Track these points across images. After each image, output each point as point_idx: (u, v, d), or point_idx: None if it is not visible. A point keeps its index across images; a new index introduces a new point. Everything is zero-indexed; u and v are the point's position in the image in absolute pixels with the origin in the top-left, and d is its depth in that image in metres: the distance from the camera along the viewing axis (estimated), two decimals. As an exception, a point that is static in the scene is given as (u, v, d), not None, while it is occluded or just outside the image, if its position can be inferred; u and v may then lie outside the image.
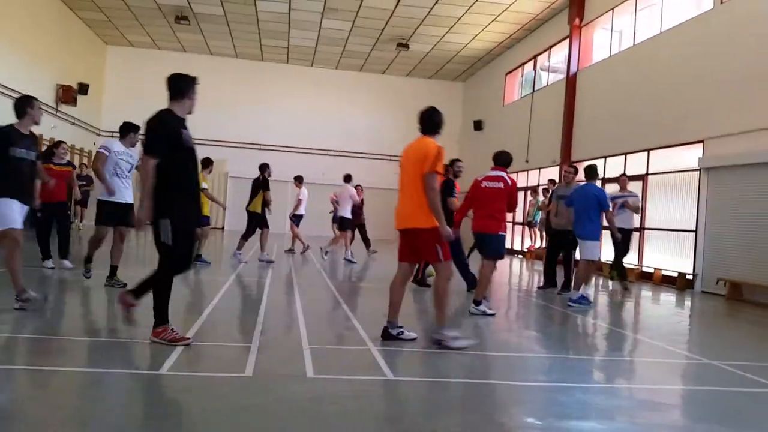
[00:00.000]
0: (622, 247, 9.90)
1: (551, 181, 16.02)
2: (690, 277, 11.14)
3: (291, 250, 14.10)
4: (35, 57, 16.92)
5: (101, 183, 6.87)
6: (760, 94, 9.94)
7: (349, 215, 13.10)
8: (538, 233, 16.98)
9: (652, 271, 12.15)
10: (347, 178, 13.62)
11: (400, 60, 22.77)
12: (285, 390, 3.58)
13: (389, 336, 4.93)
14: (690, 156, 11.57)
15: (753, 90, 10.10)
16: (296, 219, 13.79)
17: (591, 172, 8.37)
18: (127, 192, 6.95)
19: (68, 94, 18.68)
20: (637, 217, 11.03)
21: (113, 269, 6.86)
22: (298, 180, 14.20)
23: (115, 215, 6.80)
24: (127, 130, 7.12)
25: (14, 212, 5.25)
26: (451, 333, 4.87)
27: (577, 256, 8.29)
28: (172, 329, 4.37)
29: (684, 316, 8.47)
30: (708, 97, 11.16)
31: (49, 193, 7.82)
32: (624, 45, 14.85)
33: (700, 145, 11.30)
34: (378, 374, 4.01)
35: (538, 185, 17.44)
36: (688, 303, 9.62)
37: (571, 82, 16.46)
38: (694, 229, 11.12)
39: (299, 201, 13.75)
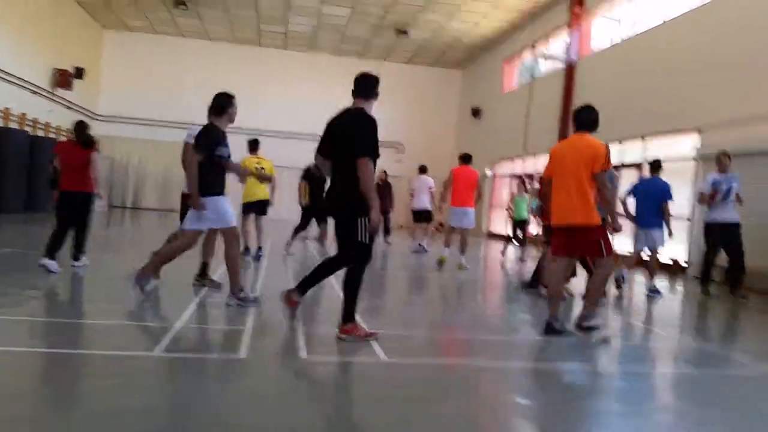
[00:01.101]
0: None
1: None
2: (684, 264, 11.22)
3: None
4: (31, 40, 16.82)
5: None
6: (756, 83, 9.94)
7: (429, 206, 12.77)
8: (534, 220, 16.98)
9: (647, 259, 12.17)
10: (423, 170, 13.25)
11: (401, 47, 22.67)
12: (279, 370, 3.64)
13: (553, 330, 4.93)
14: (687, 144, 11.59)
15: (749, 79, 10.11)
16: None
17: (656, 165, 8.50)
18: None
19: (64, 78, 18.58)
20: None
21: (205, 266, 6.27)
22: (421, 170, 13.60)
23: None
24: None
25: (230, 209, 5.46)
26: (597, 322, 5.09)
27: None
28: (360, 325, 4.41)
29: (677, 302, 8.54)
30: (706, 86, 11.15)
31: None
32: (623, 34, 14.80)
33: (697, 133, 11.31)
34: (372, 357, 4.05)
35: (525, 174, 17.44)
36: (680, 289, 9.69)
37: (569, 70, 16.42)
38: (689, 217, 11.17)
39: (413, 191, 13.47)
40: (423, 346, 4.63)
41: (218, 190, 5.43)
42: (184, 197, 6.14)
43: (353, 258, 4.39)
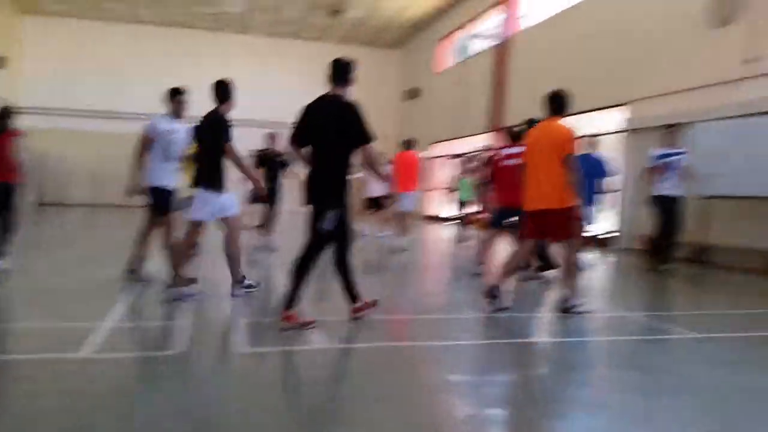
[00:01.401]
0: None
1: (485, 148, 16.33)
2: (615, 234, 11.77)
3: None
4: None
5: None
6: (679, 58, 10.43)
7: (380, 192, 11.50)
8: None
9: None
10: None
11: (335, 27, 22.47)
12: (216, 364, 3.65)
13: (493, 296, 5.19)
14: (617, 118, 12.06)
15: (673, 54, 10.59)
16: None
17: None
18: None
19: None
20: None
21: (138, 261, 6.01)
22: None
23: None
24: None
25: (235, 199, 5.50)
26: (579, 300, 5.24)
27: None
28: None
29: (603, 273, 8.95)
30: (633, 60, 11.60)
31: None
32: (552, 11, 15.15)
33: (626, 107, 11.78)
34: (312, 344, 4.10)
35: (467, 153, 17.74)
36: (610, 260, 10.15)
37: (501, 49, 16.72)
38: (620, 189, 11.67)
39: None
40: (364, 330, 4.72)
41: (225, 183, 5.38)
42: (156, 191, 5.87)
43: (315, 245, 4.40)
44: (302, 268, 4.38)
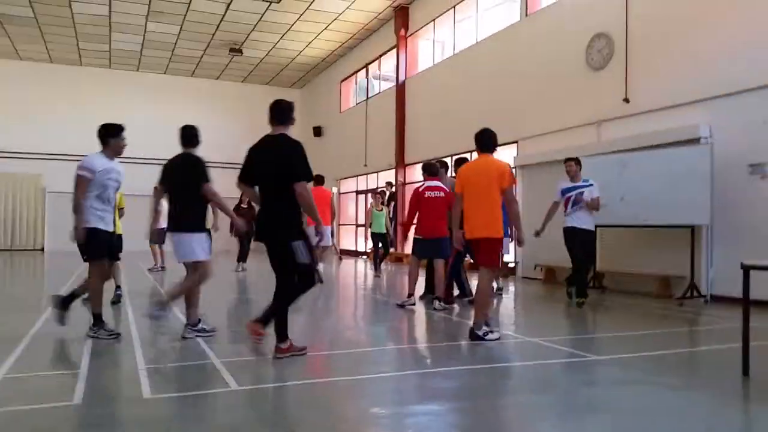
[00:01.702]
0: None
1: (388, 184, 16.68)
2: (512, 264, 12.33)
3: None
4: None
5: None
6: (561, 98, 11.28)
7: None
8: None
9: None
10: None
11: (235, 66, 22.30)
12: (119, 414, 3.39)
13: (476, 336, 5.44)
14: (506, 156, 12.75)
15: (555, 94, 11.44)
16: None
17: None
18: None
19: None
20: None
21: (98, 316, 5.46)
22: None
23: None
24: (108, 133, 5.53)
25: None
26: (487, 329, 5.46)
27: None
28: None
29: (509, 300, 9.32)
30: (520, 101, 12.40)
31: None
32: (446, 54, 15.95)
33: (515, 145, 12.51)
34: (221, 386, 3.93)
35: (377, 188, 18.07)
36: (511, 288, 10.59)
37: (400, 89, 17.33)
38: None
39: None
40: (279, 369, 4.59)
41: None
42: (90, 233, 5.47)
43: (296, 281, 4.55)
44: (284, 301, 4.57)
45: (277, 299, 4.56)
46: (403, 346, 5.53)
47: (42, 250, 21.30)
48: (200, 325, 5.51)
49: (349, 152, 20.59)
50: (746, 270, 4.23)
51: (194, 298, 5.54)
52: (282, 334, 4.57)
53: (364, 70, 20.37)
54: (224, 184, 20.04)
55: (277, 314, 4.54)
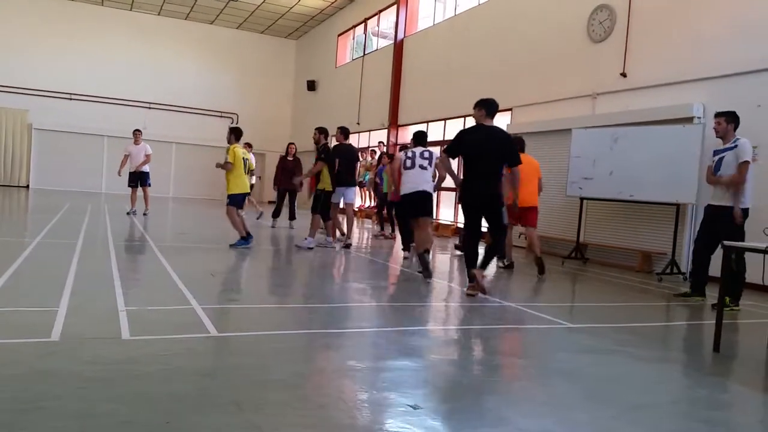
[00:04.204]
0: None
1: (381, 143, 16.60)
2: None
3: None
4: None
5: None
6: (558, 68, 11.18)
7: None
8: (367, 193, 17.56)
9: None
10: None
11: (230, 11, 21.76)
12: (96, 353, 3.41)
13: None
14: (500, 123, 12.68)
15: (553, 63, 11.33)
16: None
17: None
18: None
19: None
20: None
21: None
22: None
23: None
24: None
25: None
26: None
27: None
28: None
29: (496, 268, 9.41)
30: (517, 68, 12.28)
31: None
32: (447, 14, 15.66)
33: (509, 112, 12.44)
34: (201, 332, 3.97)
35: (368, 147, 17.96)
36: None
37: (398, 47, 17.03)
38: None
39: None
40: (257, 319, 4.62)
41: None
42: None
43: (501, 232, 6.16)
44: (496, 248, 6.20)
45: (493, 248, 6.08)
46: (384, 303, 5.57)
47: (27, 186, 21.06)
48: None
49: (343, 109, 20.37)
50: (727, 250, 4.29)
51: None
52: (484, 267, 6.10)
53: (363, 25, 19.98)
54: (212, 132, 19.81)
55: (490, 257, 6.04)
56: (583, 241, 10.04)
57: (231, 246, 8.58)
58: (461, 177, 6.12)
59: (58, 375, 3.01)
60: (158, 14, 22.56)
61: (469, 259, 6.03)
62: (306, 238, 9.21)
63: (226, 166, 8.60)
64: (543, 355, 4.15)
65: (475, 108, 6.10)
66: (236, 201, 8.83)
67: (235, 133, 8.88)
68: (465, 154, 6.01)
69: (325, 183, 9.35)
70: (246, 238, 8.71)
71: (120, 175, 13.14)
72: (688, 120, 8.66)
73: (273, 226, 12.54)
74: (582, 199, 9.85)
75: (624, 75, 9.84)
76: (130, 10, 22.19)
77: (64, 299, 4.55)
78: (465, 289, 6.12)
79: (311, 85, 23.12)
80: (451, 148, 6.09)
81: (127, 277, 5.73)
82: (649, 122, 9.16)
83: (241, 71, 23.79)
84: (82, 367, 3.15)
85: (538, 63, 11.72)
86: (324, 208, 9.44)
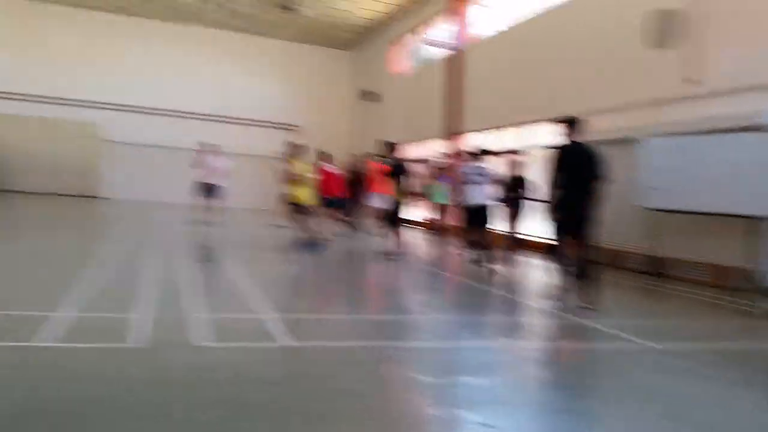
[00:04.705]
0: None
1: (443, 153, 16.46)
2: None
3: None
4: None
5: None
6: (621, 76, 10.87)
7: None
8: (432, 206, 17.03)
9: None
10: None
11: (285, 24, 22.23)
12: (171, 358, 3.52)
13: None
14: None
15: (615, 72, 11.02)
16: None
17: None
18: None
19: None
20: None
21: None
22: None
23: None
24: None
25: None
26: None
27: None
28: None
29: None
30: (577, 78, 12.00)
31: None
32: (505, 23, 15.49)
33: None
34: (273, 341, 4.02)
35: (425, 157, 17.87)
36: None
37: (454, 56, 16.96)
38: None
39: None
40: (328, 330, 4.67)
41: None
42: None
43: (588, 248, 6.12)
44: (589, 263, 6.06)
45: (584, 261, 6.06)
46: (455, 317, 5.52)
47: (94, 197, 22.01)
48: None
49: (398, 118, 20.43)
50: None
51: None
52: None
53: (417, 34, 20.02)
54: (265, 144, 19.88)
55: (584, 271, 6.05)
56: (654, 255, 9.66)
57: (301, 250, 9.03)
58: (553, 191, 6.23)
59: (134, 379, 3.12)
60: (220, 29, 23.29)
61: (570, 274, 6.13)
62: (388, 249, 9.31)
63: (293, 177, 9.69)
64: (620, 374, 4.01)
65: (559, 124, 6.32)
66: (302, 208, 9.78)
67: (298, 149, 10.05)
68: (563, 171, 6.12)
69: (399, 195, 9.42)
70: (315, 245, 9.32)
71: (201, 184, 13.36)
72: (760, 128, 8.23)
73: (349, 237, 12.49)
74: (653, 210, 9.49)
75: (693, 81, 9.46)
76: (192, 25, 22.98)
77: (141, 306, 4.72)
78: (573, 303, 6.03)
79: (367, 96, 23.27)
80: (556, 166, 6.16)
81: (201, 285, 5.90)
82: (721, 130, 8.76)
83: (295, 82, 24.29)
84: (157, 373, 3.26)
85: (604, 70, 11.41)
86: (396, 218, 9.58)
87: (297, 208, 10.10)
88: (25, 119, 20.80)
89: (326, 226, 11.28)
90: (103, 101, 21.59)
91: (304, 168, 10.00)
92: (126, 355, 3.53)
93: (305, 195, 9.79)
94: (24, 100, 20.76)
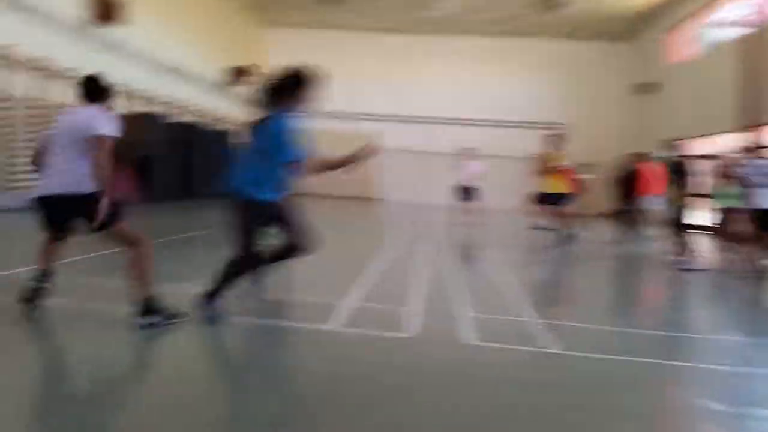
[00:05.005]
0: None
1: (746, 149, 14.12)
2: None
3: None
4: (206, 42, 18.57)
5: None
6: None
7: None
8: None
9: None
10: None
11: (555, 22, 21.66)
12: (441, 353, 3.68)
13: None
14: None
15: None
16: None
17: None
18: None
19: (237, 76, 20.38)
20: None
21: None
22: None
23: None
24: None
25: None
26: None
27: None
28: None
29: None
30: None
31: None
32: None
33: None
34: (539, 345, 3.93)
35: (716, 153, 15.69)
36: None
37: (755, 35, 14.55)
38: None
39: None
40: (597, 340, 4.40)
41: None
42: None
43: None
44: None
45: None
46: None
47: (371, 199, 24.33)
48: None
49: (682, 111, 18.32)
50: None
51: None
52: None
53: (701, 16, 17.71)
54: (528, 145, 19.42)
55: None
56: None
57: (557, 246, 9.18)
58: None
59: (408, 370, 3.33)
60: (481, 36, 23.84)
61: None
62: (680, 258, 8.31)
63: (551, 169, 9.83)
64: None
65: None
66: (553, 200, 9.93)
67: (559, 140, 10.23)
68: None
69: (678, 197, 8.43)
70: (569, 239, 9.53)
71: (460, 186, 13.84)
72: None
73: (626, 243, 11.43)
74: None
75: None
76: (458, 35, 23.92)
77: (417, 300, 5.04)
78: None
79: (642, 89, 21.39)
80: None
81: (465, 284, 6.08)
82: None
83: (562, 81, 23.53)
84: (429, 366, 3.43)
85: None
86: (679, 223, 8.50)
87: (548, 199, 10.11)
88: (324, 132, 23.83)
89: (577, 222, 10.91)
90: (379, 113, 23.81)
91: (560, 159, 9.98)
92: (400, 343, 3.81)
93: (559, 187, 9.85)
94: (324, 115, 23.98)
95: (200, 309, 3.90)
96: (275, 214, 3.88)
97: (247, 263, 3.93)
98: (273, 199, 3.84)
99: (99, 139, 3.63)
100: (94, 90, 3.86)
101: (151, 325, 3.68)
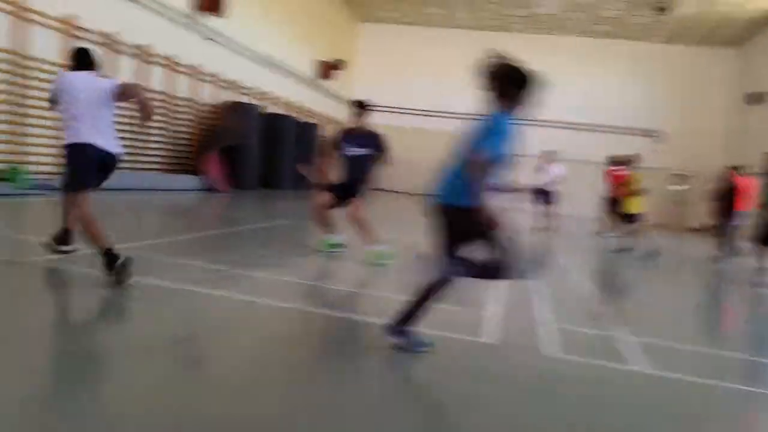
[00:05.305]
0: None
1: None
2: None
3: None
4: (298, 35, 18.96)
5: None
6: None
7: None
8: None
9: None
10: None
11: (660, 25, 20.56)
12: (519, 362, 3.52)
13: None
14: None
15: None
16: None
17: None
18: None
19: (327, 70, 20.68)
20: None
21: None
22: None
23: None
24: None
25: None
26: None
27: None
28: None
29: None
30: None
31: None
32: None
33: None
34: (623, 362, 3.69)
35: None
36: None
37: None
38: None
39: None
40: (690, 361, 4.10)
41: None
42: None
43: None
44: None
45: None
46: None
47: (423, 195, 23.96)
48: None
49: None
50: None
51: None
52: None
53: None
54: (622, 151, 18.36)
55: None
56: None
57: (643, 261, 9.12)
58: None
59: (485, 377, 3.19)
60: (584, 36, 22.92)
61: None
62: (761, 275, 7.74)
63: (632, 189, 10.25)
64: None
65: None
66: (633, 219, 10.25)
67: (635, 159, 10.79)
68: None
69: None
70: (653, 255, 9.60)
71: (539, 190, 13.42)
72: None
73: (722, 260, 10.54)
74: None
75: None
76: (556, 35, 23.12)
77: (494, 305, 4.88)
78: None
79: (755, 98, 19.82)
80: None
81: (553, 294, 5.83)
82: None
83: (667, 86, 22.33)
84: (507, 374, 3.29)
85: None
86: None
87: (628, 218, 10.41)
88: (410, 130, 23.61)
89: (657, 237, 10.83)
90: (466, 112, 23.43)
91: (640, 179, 10.32)
92: (476, 349, 3.68)
93: (638, 206, 10.15)
94: (401, 112, 23.90)
95: (392, 336, 3.39)
96: (482, 223, 3.19)
97: (448, 281, 3.33)
98: (477, 205, 3.18)
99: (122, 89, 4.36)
100: (90, 60, 4.53)
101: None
